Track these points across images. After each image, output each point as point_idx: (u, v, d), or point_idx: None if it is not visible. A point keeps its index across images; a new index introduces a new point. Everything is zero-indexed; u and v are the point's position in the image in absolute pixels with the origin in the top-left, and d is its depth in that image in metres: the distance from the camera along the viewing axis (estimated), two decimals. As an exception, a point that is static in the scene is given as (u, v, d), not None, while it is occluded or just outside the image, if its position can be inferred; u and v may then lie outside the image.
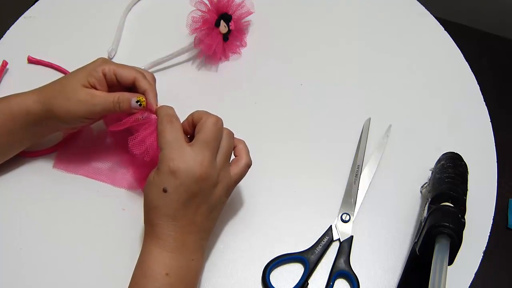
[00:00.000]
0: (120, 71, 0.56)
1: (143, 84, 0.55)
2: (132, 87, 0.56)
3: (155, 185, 0.49)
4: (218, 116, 0.51)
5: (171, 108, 0.53)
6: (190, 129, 0.53)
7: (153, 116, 0.55)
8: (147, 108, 0.56)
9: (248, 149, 0.54)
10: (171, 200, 0.48)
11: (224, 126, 0.52)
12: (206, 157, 0.49)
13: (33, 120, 0.56)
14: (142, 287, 0.48)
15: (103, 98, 0.54)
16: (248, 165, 0.54)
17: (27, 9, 0.77)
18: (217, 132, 0.50)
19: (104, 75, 0.55)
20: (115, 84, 0.56)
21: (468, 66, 0.72)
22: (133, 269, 0.50)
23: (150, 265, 0.49)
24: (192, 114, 0.52)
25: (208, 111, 0.52)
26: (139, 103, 0.55)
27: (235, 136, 0.54)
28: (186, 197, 0.48)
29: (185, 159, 0.48)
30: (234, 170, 0.53)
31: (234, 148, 0.54)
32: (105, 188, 0.61)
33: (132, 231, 0.58)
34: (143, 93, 0.57)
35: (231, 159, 0.54)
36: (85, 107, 0.54)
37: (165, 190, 0.48)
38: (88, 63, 0.57)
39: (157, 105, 0.56)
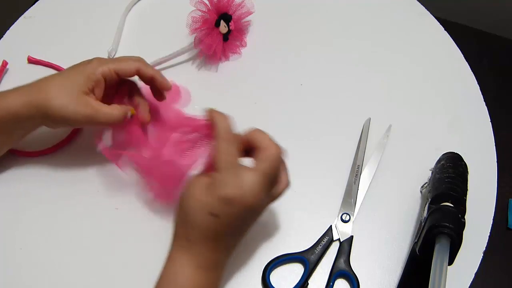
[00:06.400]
0: (120, 67, 0.55)
1: (148, 71, 0.54)
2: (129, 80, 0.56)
3: (204, 205, 0.46)
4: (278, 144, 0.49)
5: (228, 120, 0.49)
6: (243, 147, 0.49)
7: (202, 121, 0.51)
8: (162, 91, 0.56)
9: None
10: (218, 225, 0.46)
11: None
12: (264, 189, 0.46)
13: (22, 122, 0.54)
14: None
15: (103, 112, 0.54)
16: (287, 186, 0.52)
17: (27, 9, 0.77)
18: (280, 165, 0.48)
19: (105, 78, 0.55)
20: (116, 81, 0.56)
21: (468, 66, 0.72)
22: (159, 277, 0.48)
23: (181, 280, 0.47)
24: (251, 135, 0.49)
25: (267, 134, 0.49)
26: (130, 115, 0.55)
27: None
28: (234, 225, 0.47)
29: (243, 188, 0.45)
30: (275, 194, 0.50)
31: None
32: (100, 188, 0.61)
33: (126, 230, 0.58)
34: (150, 80, 0.56)
35: None
36: (83, 117, 0.53)
37: (214, 215, 0.45)
38: (82, 62, 0.56)
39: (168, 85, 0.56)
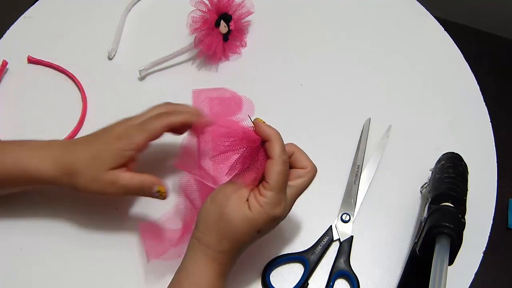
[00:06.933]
0: (153, 135, 0.52)
1: (177, 121, 0.52)
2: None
3: (254, 224, 0.46)
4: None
5: (281, 137, 0.48)
6: None
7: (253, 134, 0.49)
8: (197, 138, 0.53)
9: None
10: (255, 239, 0.48)
11: None
12: (293, 203, 0.50)
13: (46, 183, 0.53)
14: None
15: (128, 186, 0.52)
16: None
17: (27, 9, 0.77)
18: None
19: (137, 151, 0.52)
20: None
21: (468, 66, 0.72)
22: (174, 281, 0.48)
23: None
24: (292, 151, 0.50)
25: (304, 152, 0.51)
26: (158, 193, 0.52)
27: None
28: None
29: (285, 204, 0.47)
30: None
31: None
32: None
33: (126, 230, 0.58)
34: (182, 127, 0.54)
35: None
36: (110, 190, 0.52)
37: (260, 232, 0.47)
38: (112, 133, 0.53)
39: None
